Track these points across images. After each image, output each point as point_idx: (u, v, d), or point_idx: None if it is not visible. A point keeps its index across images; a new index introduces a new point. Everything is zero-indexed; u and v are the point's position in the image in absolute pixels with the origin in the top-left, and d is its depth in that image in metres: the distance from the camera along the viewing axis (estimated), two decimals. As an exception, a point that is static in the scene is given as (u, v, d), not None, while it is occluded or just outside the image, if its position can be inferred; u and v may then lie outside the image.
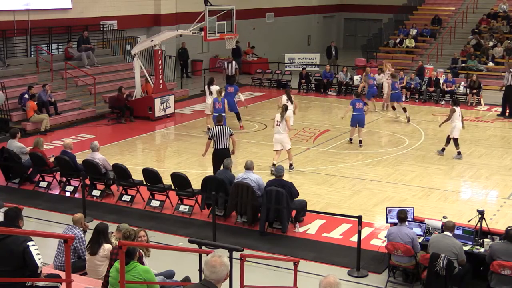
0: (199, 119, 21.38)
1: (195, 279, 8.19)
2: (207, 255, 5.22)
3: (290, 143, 15.59)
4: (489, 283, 9.01)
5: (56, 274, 7.53)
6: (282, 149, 15.44)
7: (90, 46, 23.59)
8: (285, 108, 15.52)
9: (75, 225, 9.04)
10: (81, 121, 20.81)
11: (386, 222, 10.45)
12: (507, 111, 22.03)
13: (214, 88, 19.27)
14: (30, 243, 6.42)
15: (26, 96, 19.36)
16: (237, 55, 30.25)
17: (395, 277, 9.90)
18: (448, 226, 9.30)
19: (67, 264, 6.09)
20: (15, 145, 14.44)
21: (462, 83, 25.24)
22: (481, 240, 9.66)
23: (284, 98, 18.09)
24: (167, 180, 13.14)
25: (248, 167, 12.03)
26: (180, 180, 12.77)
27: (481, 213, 9.92)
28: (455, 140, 16.61)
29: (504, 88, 22.48)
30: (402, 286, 9.79)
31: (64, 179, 14.27)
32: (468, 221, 10.61)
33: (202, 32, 20.79)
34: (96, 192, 13.60)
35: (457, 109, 16.77)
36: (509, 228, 9.14)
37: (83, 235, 9.02)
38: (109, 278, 7.26)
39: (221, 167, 13.75)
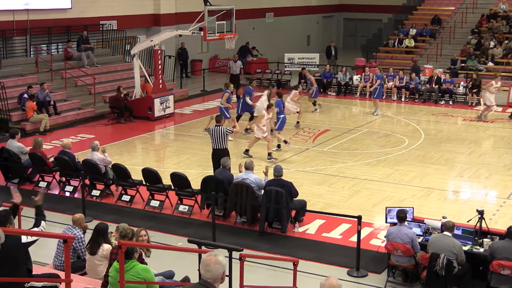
0: (199, 119, 21.38)
1: (194, 279, 8.18)
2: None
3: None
4: (488, 283, 9.02)
5: (56, 274, 7.53)
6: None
7: (89, 46, 23.60)
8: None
9: (74, 225, 9.04)
10: (80, 121, 20.81)
11: (386, 222, 10.45)
12: None
13: (265, 93, 18.92)
14: (23, 238, 6.48)
15: (26, 96, 19.36)
16: (244, 54, 30.13)
17: (394, 277, 9.90)
18: (447, 226, 9.30)
19: (67, 264, 6.10)
20: (15, 145, 14.43)
21: (462, 83, 25.24)
22: (481, 240, 9.66)
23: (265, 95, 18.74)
24: (166, 180, 13.14)
25: (248, 167, 12.03)
26: (180, 180, 12.76)
27: (481, 213, 9.92)
28: None
29: None
30: (402, 286, 9.79)
31: (63, 179, 14.27)
32: (468, 221, 10.62)
33: (202, 32, 20.80)
34: (95, 192, 13.60)
35: None
36: (511, 227, 9.14)
37: (82, 235, 9.01)
38: (108, 278, 7.27)
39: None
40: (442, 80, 24.69)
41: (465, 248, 9.41)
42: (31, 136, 17.88)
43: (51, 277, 7.16)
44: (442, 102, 24.24)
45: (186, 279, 8.31)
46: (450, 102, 24.11)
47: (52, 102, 20.13)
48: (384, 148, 17.75)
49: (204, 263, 4.72)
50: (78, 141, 18.36)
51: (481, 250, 9.43)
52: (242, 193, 11.77)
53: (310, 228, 11.97)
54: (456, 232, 9.57)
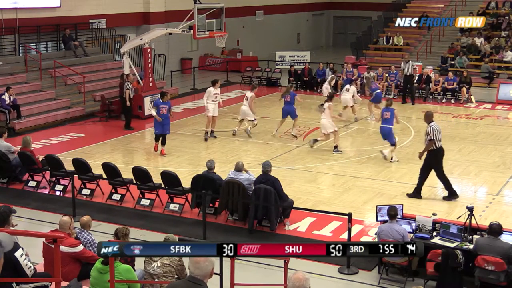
0: (189, 117, 21.36)
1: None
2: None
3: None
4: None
5: (45, 273, 7.49)
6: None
7: (76, 43, 23.58)
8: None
9: (84, 229, 8.77)
10: (70, 120, 20.73)
11: (377, 220, 10.45)
12: None
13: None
14: (17, 253, 6.41)
15: (3, 97, 19.09)
16: None
17: (388, 273, 9.93)
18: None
19: (57, 264, 6.08)
20: (3, 144, 14.30)
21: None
22: (470, 237, 9.70)
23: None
24: (157, 179, 13.11)
25: (239, 169, 11.99)
26: (170, 179, 12.74)
27: (470, 209, 9.96)
28: None
29: None
30: (394, 282, 9.83)
31: (54, 178, 14.17)
32: (458, 218, 10.67)
33: (192, 30, 20.78)
34: (86, 191, 13.54)
35: None
36: (492, 223, 9.20)
37: (94, 238, 8.75)
38: (90, 279, 7.26)
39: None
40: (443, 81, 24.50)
41: (453, 244, 9.46)
42: (20, 135, 17.78)
43: (40, 276, 7.12)
44: (444, 101, 24.06)
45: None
46: (444, 100, 24.00)
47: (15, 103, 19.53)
48: (374, 146, 17.79)
49: (193, 261, 4.76)
50: (68, 140, 18.29)
51: (471, 246, 9.47)
52: (234, 190, 11.76)
53: (301, 226, 11.98)
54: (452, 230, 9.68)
